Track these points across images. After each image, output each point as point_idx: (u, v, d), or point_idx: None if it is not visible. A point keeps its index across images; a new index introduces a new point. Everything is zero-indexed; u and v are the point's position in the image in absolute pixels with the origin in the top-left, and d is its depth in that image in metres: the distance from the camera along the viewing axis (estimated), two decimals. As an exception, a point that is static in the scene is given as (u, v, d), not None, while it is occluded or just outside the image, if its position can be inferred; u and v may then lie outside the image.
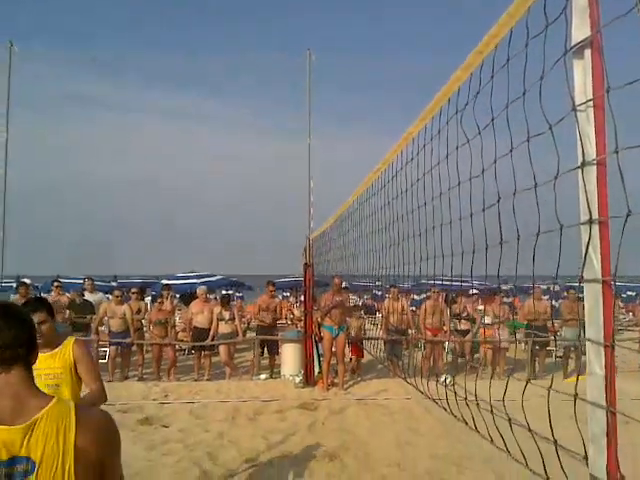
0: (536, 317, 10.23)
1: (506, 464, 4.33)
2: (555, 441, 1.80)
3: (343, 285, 9.76)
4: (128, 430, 6.70)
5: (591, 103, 1.56)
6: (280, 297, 20.42)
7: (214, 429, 6.78)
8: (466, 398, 2.79)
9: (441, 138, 2.79)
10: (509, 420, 2.11)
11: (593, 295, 1.55)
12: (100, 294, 11.77)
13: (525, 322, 10.67)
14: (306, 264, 9.85)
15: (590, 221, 1.54)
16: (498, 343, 10.16)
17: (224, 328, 10.52)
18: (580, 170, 1.59)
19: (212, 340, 10.38)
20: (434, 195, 2.94)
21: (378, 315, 14.22)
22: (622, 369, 11.17)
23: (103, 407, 7.60)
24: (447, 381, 7.34)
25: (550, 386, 1.79)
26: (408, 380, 5.36)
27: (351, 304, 11.21)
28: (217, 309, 10.65)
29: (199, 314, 10.74)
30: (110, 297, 11.22)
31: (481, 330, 10.66)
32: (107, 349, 10.95)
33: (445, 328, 10.57)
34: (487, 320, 10.44)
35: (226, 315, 10.62)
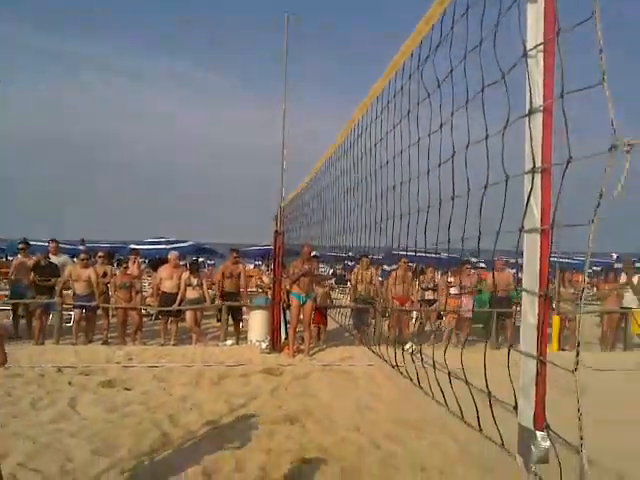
0: (498, 288, 10.39)
1: (462, 428, 4.41)
2: (489, 392, 1.80)
3: (313, 254, 9.75)
4: (90, 392, 6.66)
5: (541, 47, 1.51)
6: (252, 265, 20.39)
7: (177, 393, 6.76)
8: (419, 358, 2.79)
9: (404, 94, 2.73)
10: (449, 374, 2.12)
11: (532, 245, 1.53)
12: (65, 256, 11.54)
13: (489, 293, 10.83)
14: (276, 232, 9.79)
15: (533, 170, 1.51)
16: (462, 312, 10.30)
17: (191, 294, 10.46)
18: (527, 118, 1.55)
19: (179, 305, 10.32)
20: (395, 154, 2.89)
21: (349, 285, 14.29)
22: (582, 341, 11.48)
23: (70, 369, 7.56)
24: (412, 349, 7.40)
25: (486, 344, 1.77)
26: (372, 347, 5.39)
27: (320, 273, 11.21)
28: (185, 275, 10.57)
29: (168, 279, 10.63)
30: (76, 260, 11.01)
31: (447, 300, 10.78)
32: (72, 312, 10.82)
33: (412, 298, 10.67)
34: (453, 290, 10.55)
35: (194, 281, 10.56)
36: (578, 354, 1.37)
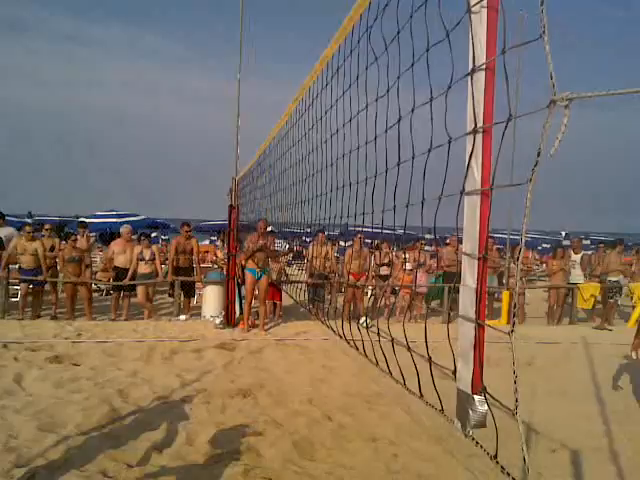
0: (451, 264, 10.57)
1: (414, 399, 4.49)
2: (429, 358, 1.80)
3: (269, 229, 9.68)
4: (36, 368, 6.47)
5: (485, 3, 1.47)
6: (207, 241, 20.13)
7: (127, 368, 6.63)
8: (373, 332, 2.78)
9: (353, 59, 2.66)
10: (392, 341, 2.11)
11: (471, 207, 1.51)
12: (11, 229, 11.08)
13: (442, 271, 11.04)
14: (231, 206, 9.64)
15: (474, 130, 1.47)
16: (416, 288, 10.46)
17: (144, 268, 10.23)
18: (470, 77, 1.51)
19: (131, 280, 10.09)
20: (345, 122, 2.83)
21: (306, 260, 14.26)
22: (530, 315, 11.85)
23: (15, 345, 7.32)
24: (366, 323, 7.46)
25: (426, 313, 1.76)
26: (327, 322, 5.39)
27: (276, 248, 11.14)
28: (137, 248, 10.32)
29: (121, 254, 10.38)
30: (22, 233, 10.59)
31: (401, 275, 10.91)
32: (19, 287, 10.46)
33: (367, 273, 10.74)
34: (408, 266, 10.68)
35: (146, 255, 10.32)
36: (515, 315, 1.36)
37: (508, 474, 1.48)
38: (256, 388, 5.96)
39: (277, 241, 13.37)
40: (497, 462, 1.54)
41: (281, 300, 10.49)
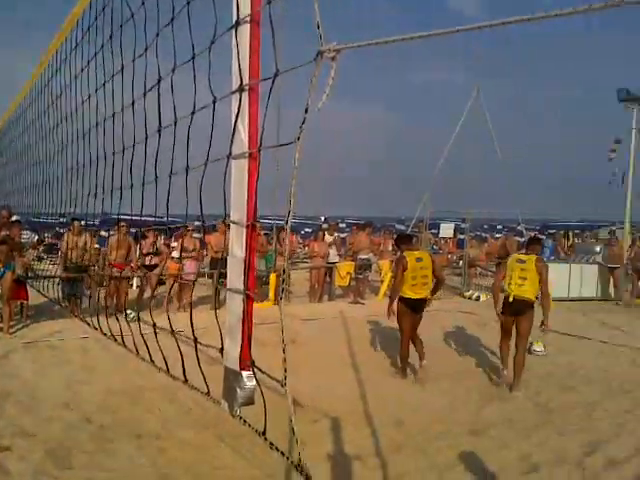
0: (219, 249, 10.54)
1: (182, 389, 4.32)
2: (195, 339, 1.69)
3: (14, 218, 8.48)
4: None
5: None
6: None
7: None
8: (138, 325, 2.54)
9: (106, 16, 2.36)
10: (154, 326, 1.94)
11: (239, 172, 1.42)
12: None
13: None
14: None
15: (240, 88, 1.38)
16: (184, 276, 10.22)
17: None
18: (234, 31, 1.41)
19: None
20: (98, 86, 2.51)
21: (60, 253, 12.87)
22: (295, 295, 12.50)
23: None
24: (131, 316, 7.00)
25: (191, 298, 1.63)
26: (87, 318, 4.88)
27: (22, 240, 9.81)
28: None
29: None
30: None
31: (169, 264, 10.56)
32: None
33: (132, 264, 10.11)
34: (175, 254, 10.37)
35: None
36: (284, 290, 1.32)
37: (277, 449, 1.45)
38: (1, 397, 5.17)
39: (24, 232, 11.86)
40: (265, 439, 1.49)
41: (28, 299, 9.20)
